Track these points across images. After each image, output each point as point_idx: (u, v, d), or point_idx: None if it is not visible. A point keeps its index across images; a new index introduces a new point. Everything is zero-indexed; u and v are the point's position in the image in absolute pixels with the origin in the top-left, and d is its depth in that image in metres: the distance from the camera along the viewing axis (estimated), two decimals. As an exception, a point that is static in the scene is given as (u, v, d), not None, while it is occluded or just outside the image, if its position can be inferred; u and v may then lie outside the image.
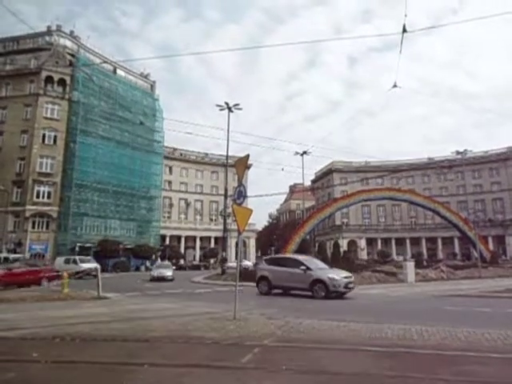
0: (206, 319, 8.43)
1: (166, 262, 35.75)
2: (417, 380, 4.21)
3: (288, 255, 21.33)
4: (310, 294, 14.17)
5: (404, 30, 10.00)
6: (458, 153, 59.74)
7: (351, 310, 10.85)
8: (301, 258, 16.43)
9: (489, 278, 24.47)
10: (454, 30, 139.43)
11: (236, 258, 46.74)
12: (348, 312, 10.21)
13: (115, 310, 10.45)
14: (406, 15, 9.98)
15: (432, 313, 10.41)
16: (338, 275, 14.49)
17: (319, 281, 14.07)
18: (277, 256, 20.78)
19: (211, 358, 5.08)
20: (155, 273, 26.76)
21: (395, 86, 15.27)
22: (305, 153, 38.88)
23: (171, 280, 25.85)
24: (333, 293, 13.74)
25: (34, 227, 43.15)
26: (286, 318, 8.35)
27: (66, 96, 46.35)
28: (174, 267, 33.54)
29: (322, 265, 15.94)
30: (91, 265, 26.89)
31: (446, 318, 9.14)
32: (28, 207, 42.53)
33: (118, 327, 7.62)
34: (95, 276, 24.86)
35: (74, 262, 29.16)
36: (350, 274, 15.31)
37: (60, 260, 30.67)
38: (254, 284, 19.93)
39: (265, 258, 18.66)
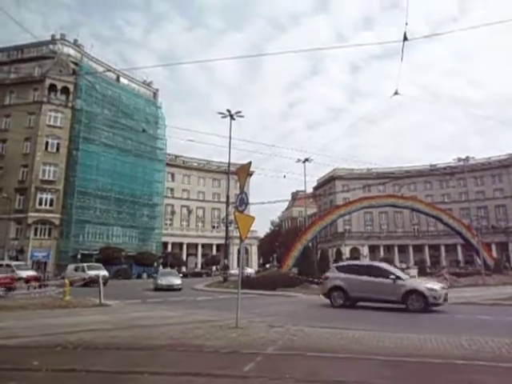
0: (208, 327, 8.38)
1: (171, 269, 33.89)
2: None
3: (369, 262, 19.37)
4: (402, 306, 12.42)
5: (405, 38, 10.07)
6: (460, 160, 59.69)
7: (353, 318, 10.75)
8: (385, 265, 14.72)
9: (492, 286, 24.25)
10: (454, 38, 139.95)
11: (238, 265, 46.59)
12: (350, 320, 10.12)
13: (116, 318, 10.41)
14: (406, 23, 10.06)
15: (435, 321, 10.32)
16: (437, 285, 12.95)
17: (415, 292, 12.34)
18: (354, 263, 17.78)
19: (213, 367, 5.04)
20: (163, 281, 24.16)
21: (396, 93, 15.33)
22: (307, 160, 38.90)
23: (179, 290, 23.56)
24: (432, 305, 12.14)
25: (36, 234, 43.20)
26: (287, 326, 8.30)
27: (70, 104, 46.70)
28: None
29: (404, 274, 14.41)
30: (99, 272, 25.82)
31: (449, 326, 9.07)
32: (30, 214, 42.62)
33: (119, 335, 7.58)
34: (104, 284, 24.69)
35: (82, 269, 28.40)
36: (444, 285, 13.97)
37: (71, 267, 30.35)
38: (258, 292, 19.81)
39: (337, 265, 16.01)
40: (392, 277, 12.77)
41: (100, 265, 31.41)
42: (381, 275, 13.03)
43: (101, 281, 15.16)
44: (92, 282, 24.55)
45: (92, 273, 26.09)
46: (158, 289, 23.45)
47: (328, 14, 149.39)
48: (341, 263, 17.72)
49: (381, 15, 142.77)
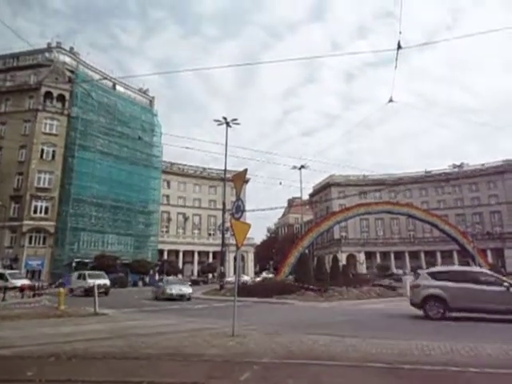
0: (204, 335, 8.32)
1: (177, 277, 33.20)
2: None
3: (470, 268, 17.88)
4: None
5: (399, 47, 10.19)
6: (454, 166, 60.10)
7: (351, 325, 10.72)
8: (489, 271, 13.57)
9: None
10: (448, 46, 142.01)
11: (234, 272, 46.46)
12: (348, 327, 10.09)
13: (112, 327, 10.30)
14: (400, 32, 10.21)
15: (433, 327, 10.31)
16: None
17: None
18: (450, 268, 15.34)
19: (209, 376, 4.99)
20: (173, 290, 22.16)
21: (391, 100, 15.46)
22: (302, 167, 39.03)
23: (189, 299, 22.07)
24: None
25: (30, 242, 42.84)
26: (284, 334, 8.25)
27: (65, 112, 46.65)
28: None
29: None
30: (100, 281, 25.22)
31: (447, 333, 9.06)
32: (25, 222, 42.32)
33: (115, 344, 7.50)
34: (105, 293, 24.36)
35: (84, 277, 26.71)
36: None
37: (75, 275, 28.98)
38: (254, 299, 19.69)
39: (428, 271, 14.16)
40: (506, 284, 11.52)
41: (102, 273, 29.78)
42: (487, 282, 11.74)
43: (96, 290, 14.96)
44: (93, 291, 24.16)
45: (92, 281, 24.80)
46: (166, 298, 21.62)
47: (323, 23, 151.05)
48: (435, 269, 15.63)
49: (375, 24, 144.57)
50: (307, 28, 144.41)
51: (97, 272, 30.15)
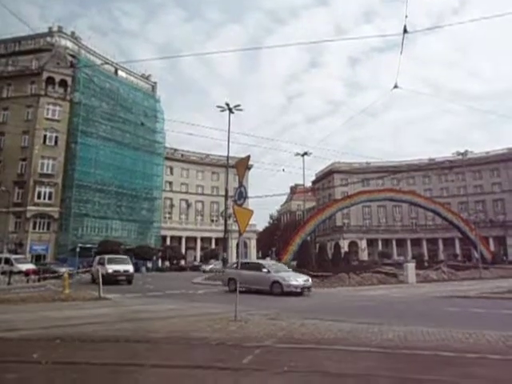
0: (207, 320, 8.42)
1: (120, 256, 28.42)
2: (418, 381, 4.20)
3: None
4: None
5: (405, 31, 10.02)
6: (458, 154, 59.68)
7: (352, 311, 10.83)
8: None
9: (490, 279, 24.43)
10: (455, 30, 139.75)
11: (237, 258, 46.74)
12: (349, 312, 10.19)
13: (116, 311, 10.45)
14: (406, 16, 10.02)
15: (433, 314, 10.39)
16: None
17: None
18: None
19: (212, 359, 5.07)
20: (109, 269, 21.24)
21: (396, 86, 15.23)
22: (305, 153, 38.94)
23: (129, 281, 21.87)
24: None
25: (35, 228, 43.19)
26: (286, 319, 8.34)
27: (67, 97, 46.44)
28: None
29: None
30: (122, 267, 22.50)
31: (446, 319, 9.13)
32: (29, 208, 42.58)
33: (119, 328, 7.62)
34: (129, 281, 21.74)
35: (102, 262, 22.88)
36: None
37: (96, 260, 24.82)
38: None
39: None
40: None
41: (124, 257, 26.25)
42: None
43: (100, 275, 15.12)
44: (115, 278, 21.06)
45: (112, 267, 21.86)
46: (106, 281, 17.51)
47: (327, 7, 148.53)
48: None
49: (381, 8, 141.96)
50: (311, 12, 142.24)
51: (118, 256, 26.93)
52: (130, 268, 23.15)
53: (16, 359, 5.17)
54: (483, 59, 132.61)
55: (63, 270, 27.86)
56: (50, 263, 34.94)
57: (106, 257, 23.89)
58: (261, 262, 19.56)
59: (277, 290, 15.34)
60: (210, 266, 43.04)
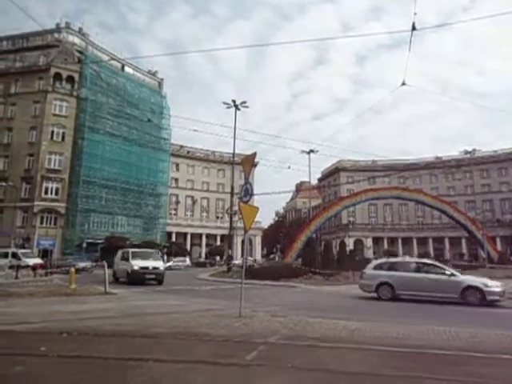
0: (212, 316, 8.46)
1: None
2: (423, 380, 4.19)
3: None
4: None
5: (413, 28, 9.94)
6: (466, 152, 59.25)
7: (356, 309, 10.82)
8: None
9: (496, 279, 24.21)
10: (464, 28, 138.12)
11: (242, 255, 46.82)
12: (354, 310, 10.18)
13: (122, 306, 10.53)
14: (415, 13, 9.94)
15: (438, 312, 10.35)
16: None
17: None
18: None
19: (216, 355, 5.10)
20: (134, 265, 18.08)
21: (404, 84, 15.09)
22: (311, 151, 38.77)
23: (160, 280, 18.45)
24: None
25: (42, 223, 43.55)
26: (290, 316, 8.36)
27: (75, 93, 46.67)
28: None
29: None
30: (150, 263, 18.82)
31: (451, 318, 9.09)
32: (36, 203, 42.94)
33: (124, 323, 7.68)
34: (159, 282, 17.99)
35: (126, 257, 19.32)
36: None
37: (119, 255, 21.19)
38: (261, 282, 19.94)
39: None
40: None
41: (152, 251, 23.05)
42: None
43: (106, 270, 15.23)
44: (143, 277, 17.84)
45: (138, 264, 18.25)
46: (120, 277, 19.27)
47: (335, 4, 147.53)
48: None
49: (389, 4, 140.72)
50: (318, 9, 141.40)
51: (144, 250, 23.68)
52: (161, 264, 19.61)
53: (23, 352, 5.24)
54: (491, 57, 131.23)
55: (83, 264, 27.76)
56: (67, 258, 35.15)
57: (130, 250, 20.28)
58: (427, 261, 15.01)
59: (473, 298, 11.78)
60: (169, 264, 37.95)
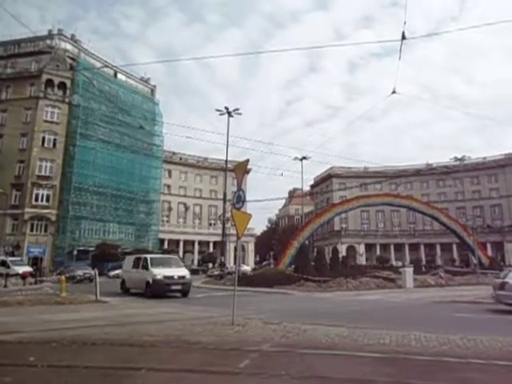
0: (204, 324, 8.40)
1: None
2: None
3: None
4: None
5: (403, 37, 10.08)
6: (456, 159, 59.94)
7: (350, 315, 10.81)
8: None
9: (487, 284, 24.42)
10: (454, 37, 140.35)
11: (235, 262, 46.66)
12: (347, 317, 10.17)
13: (113, 314, 10.41)
14: (405, 22, 10.08)
15: (430, 319, 10.39)
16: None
17: None
18: None
19: (209, 363, 5.06)
20: (157, 274, 15.28)
21: (394, 92, 15.29)
22: (304, 158, 39.01)
23: (186, 292, 16.16)
24: None
25: (32, 230, 43.05)
26: (283, 323, 8.33)
27: (67, 99, 46.47)
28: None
29: None
30: (174, 271, 16.07)
31: (444, 324, 9.12)
32: (27, 210, 42.47)
33: (116, 331, 7.59)
34: (184, 293, 15.85)
35: (144, 265, 16.47)
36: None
37: (128, 260, 19.15)
38: (254, 289, 19.86)
39: None
40: None
41: (174, 257, 20.82)
42: None
43: (97, 278, 15.03)
44: (168, 288, 15.41)
45: (161, 272, 15.44)
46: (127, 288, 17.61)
47: (327, 12, 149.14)
48: None
49: (381, 13, 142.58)
50: (311, 17, 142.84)
51: (164, 256, 21.12)
52: (186, 272, 16.76)
53: (12, 362, 5.14)
54: (480, 65, 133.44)
55: (83, 272, 26.64)
56: (68, 265, 33.93)
57: (149, 257, 17.38)
58: None
59: None
60: (116, 272, 31.30)
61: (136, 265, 17.16)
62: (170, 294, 15.53)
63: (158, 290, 15.23)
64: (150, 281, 15.26)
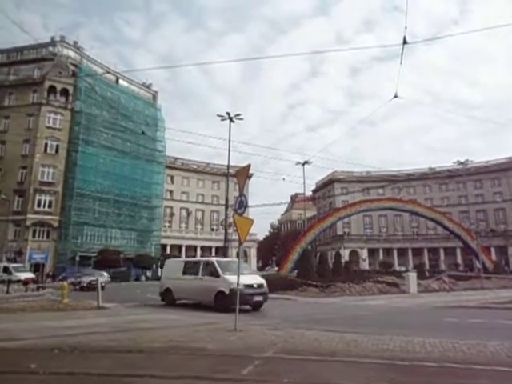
0: (207, 330, 8.35)
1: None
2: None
3: None
4: None
5: (405, 42, 10.11)
6: (459, 163, 59.77)
7: (353, 321, 10.73)
8: None
9: (491, 289, 24.26)
10: (455, 40, 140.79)
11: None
12: (350, 323, 10.10)
13: (115, 321, 10.37)
14: (406, 27, 10.13)
15: (434, 324, 10.30)
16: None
17: None
18: None
19: (212, 370, 5.01)
20: (233, 283, 11.55)
21: (396, 96, 15.29)
22: (306, 162, 38.92)
23: (262, 303, 13.57)
24: None
25: (34, 236, 43.08)
26: (286, 329, 8.27)
27: (69, 106, 46.72)
28: None
29: None
30: (253, 279, 13.68)
31: (448, 330, 9.04)
32: (29, 216, 42.53)
33: (118, 338, 7.55)
34: (260, 304, 13.21)
35: (211, 271, 13.71)
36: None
37: (173, 265, 16.56)
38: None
39: None
40: None
41: (244, 264, 17.33)
42: None
43: (99, 284, 15.02)
44: (252, 300, 12.78)
45: (241, 280, 9.99)
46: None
47: (328, 16, 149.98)
48: None
49: (382, 17, 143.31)
50: (312, 22, 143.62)
51: (232, 260, 16.88)
52: (263, 280, 14.24)
53: (13, 370, 5.11)
54: (482, 68, 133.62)
55: (93, 279, 23.67)
56: (78, 271, 32.38)
57: (215, 260, 14.70)
58: None
59: None
60: (91, 279, 25.41)
61: (191, 270, 14.24)
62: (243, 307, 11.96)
63: (239, 301, 11.16)
64: (226, 291, 12.45)
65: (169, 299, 15.10)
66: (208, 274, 13.70)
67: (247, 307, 12.90)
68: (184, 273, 14.77)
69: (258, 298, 13.15)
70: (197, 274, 14.11)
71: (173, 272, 15.55)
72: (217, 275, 13.29)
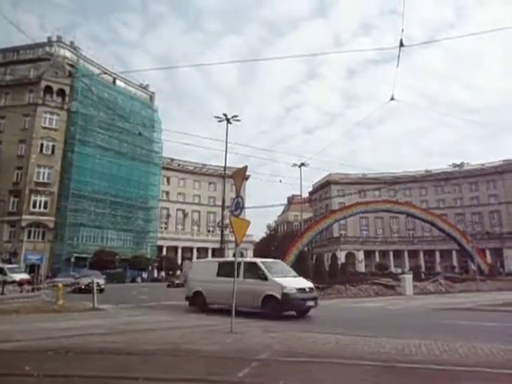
0: (203, 332, 8.33)
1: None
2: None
3: None
4: None
5: (401, 44, 10.14)
6: (455, 165, 60.12)
7: (349, 323, 10.73)
8: None
9: (487, 292, 24.37)
10: (452, 44, 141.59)
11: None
12: (346, 325, 10.09)
13: (110, 322, 10.30)
14: (402, 30, 10.13)
15: (430, 326, 10.31)
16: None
17: None
18: None
19: (208, 372, 4.99)
20: (288, 287, 11.33)
21: (393, 99, 15.33)
22: (303, 164, 38.94)
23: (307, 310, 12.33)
24: None
25: (29, 237, 42.86)
26: (283, 331, 8.25)
27: (65, 106, 46.58)
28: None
29: None
30: (300, 282, 12.48)
31: (444, 332, 9.05)
32: (24, 217, 42.30)
33: (113, 340, 7.50)
34: (307, 310, 11.47)
35: (261, 275, 12.02)
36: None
37: (199, 265, 16.45)
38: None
39: None
40: None
41: (282, 263, 16.42)
42: None
43: (94, 286, 14.94)
44: (304, 305, 11.76)
45: (289, 283, 11.62)
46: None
47: (326, 19, 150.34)
48: None
49: (379, 21, 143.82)
50: (309, 24, 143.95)
51: (276, 261, 14.89)
52: (311, 284, 13.02)
53: (7, 372, 5.06)
54: (480, 72, 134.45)
55: (90, 280, 23.05)
56: (76, 273, 31.60)
57: (259, 261, 13.14)
58: None
59: None
60: (89, 281, 22.51)
61: (228, 273, 11.47)
62: (285, 314, 11.73)
63: (289, 308, 11.52)
64: (277, 295, 11.24)
65: (200, 304, 13.52)
66: (251, 277, 12.12)
67: (293, 313, 11.94)
68: (219, 275, 13.14)
69: (311, 303, 12.01)
70: (236, 276, 10.63)
71: (204, 274, 13.89)
72: (264, 278, 11.89)
